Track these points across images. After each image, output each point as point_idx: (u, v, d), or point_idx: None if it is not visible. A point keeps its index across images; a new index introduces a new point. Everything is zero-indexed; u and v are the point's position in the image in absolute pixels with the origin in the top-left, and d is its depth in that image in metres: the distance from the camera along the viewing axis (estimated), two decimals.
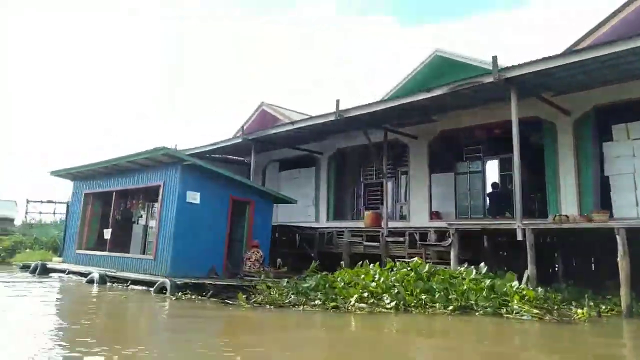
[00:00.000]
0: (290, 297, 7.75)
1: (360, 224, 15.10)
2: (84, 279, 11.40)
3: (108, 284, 10.69)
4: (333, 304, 7.39)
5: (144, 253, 12.41)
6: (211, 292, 8.43)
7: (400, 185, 16.00)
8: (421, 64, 16.07)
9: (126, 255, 12.18)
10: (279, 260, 12.96)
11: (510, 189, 13.59)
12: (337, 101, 12.28)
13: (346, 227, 14.16)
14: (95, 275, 10.76)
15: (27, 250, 17.42)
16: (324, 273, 8.95)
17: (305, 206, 17.26)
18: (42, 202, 63.81)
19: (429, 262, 9.64)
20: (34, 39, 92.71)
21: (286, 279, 8.85)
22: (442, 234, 11.32)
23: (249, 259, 11.75)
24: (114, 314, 7.42)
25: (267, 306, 7.59)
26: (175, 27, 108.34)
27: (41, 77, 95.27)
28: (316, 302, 7.50)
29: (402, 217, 15.34)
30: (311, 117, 12.93)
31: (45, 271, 12.88)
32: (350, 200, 17.41)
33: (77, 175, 14.17)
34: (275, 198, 13.35)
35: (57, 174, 14.49)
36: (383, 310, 7.27)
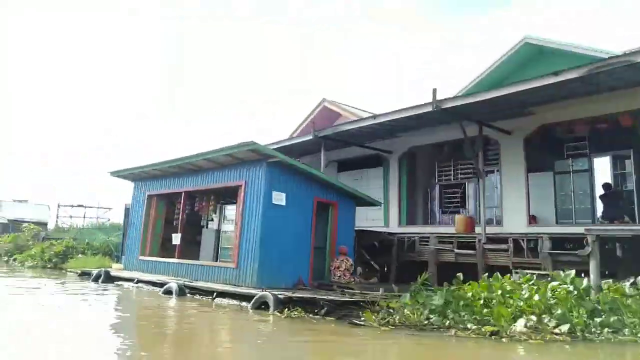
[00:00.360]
0: (432, 318, 6.39)
1: (437, 229, 13.73)
2: (158, 290, 10.30)
3: (188, 295, 9.54)
4: (491, 328, 6.00)
5: (216, 260, 11.27)
6: (326, 309, 7.13)
7: (486, 186, 14.49)
8: (507, 53, 14.62)
9: (201, 262, 11.04)
10: (359, 268, 11.66)
11: (624, 189, 12.01)
12: (434, 90, 10.93)
13: (431, 233, 12.76)
14: (173, 285, 9.62)
15: (80, 255, 16.56)
16: (451, 287, 7.55)
17: (369, 209, 15.92)
18: (72, 206, 64.40)
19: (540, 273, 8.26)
20: (34, 39, 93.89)
21: (408, 294, 7.48)
22: (561, 241, 9.88)
23: (338, 267, 10.47)
24: (227, 341, 6.15)
25: (405, 329, 6.25)
26: (175, 27, 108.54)
27: (41, 77, 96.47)
28: (468, 325, 6.12)
29: (488, 222, 13.86)
30: (403, 109, 11.59)
31: (109, 279, 11.84)
32: (423, 203, 15.99)
33: (140, 175, 13.16)
34: (358, 199, 12.04)
35: (118, 174, 13.52)
36: (554, 337, 5.85)
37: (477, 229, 12.39)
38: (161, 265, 12.07)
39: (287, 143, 14.85)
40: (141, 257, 12.77)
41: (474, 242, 11.56)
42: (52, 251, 16.82)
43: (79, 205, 63.30)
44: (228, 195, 12.12)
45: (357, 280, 10.39)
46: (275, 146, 15.18)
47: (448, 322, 6.31)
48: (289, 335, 6.27)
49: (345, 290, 8.84)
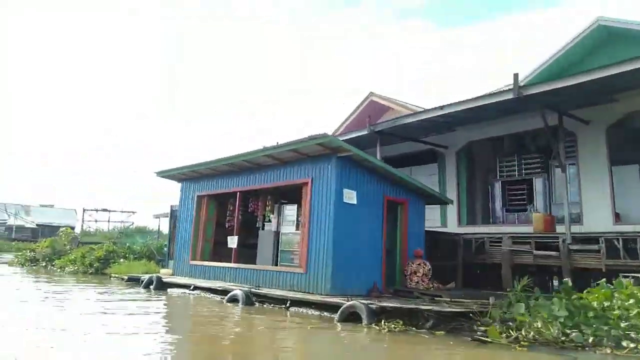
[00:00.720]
0: (570, 333, 5.40)
1: (501, 229, 12.73)
2: (219, 298, 9.51)
3: (256, 304, 8.71)
4: None
5: (275, 264, 10.43)
6: (432, 321, 6.19)
7: (558, 181, 13.37)
8: (577, 36, 13.45)
9: (262, 267, 10.21)
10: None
11: None
12: (516, 75, 9.91)
13: (503, 233, 11.72)
14: (239, 293, 8.80)
15: (122, 260, 15.97)
16: (574, 296, 6.52)
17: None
18: (97, 210, 64.76)
19: None
20: (34, 39, 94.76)
21: (521, 304, 6.48)
22: None
23: (415, 272, 9.52)
24: None
25: (541, 347, 5.28)
26: (175, 27, 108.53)
27: (41, 77, 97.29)
28: (624, 343, 5.11)
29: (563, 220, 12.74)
30: (478, 97, 10.58)
31: (161, 286, 11.11)
32: (482, 201, 14.92)
33: (189, 175, 12.42)
34: (428, 197, 11.08)
35: (164, 174, 12.82)
36: None
37: (558, 228, 11.35)
38: (216, 271, 11.30)
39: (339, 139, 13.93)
40: (192, 262, 12.02)
41: (557, 242, 10.51)
42: (93, 256, 16.26)
43: (104, 210, 63.63)
44: (286, 194, 11.30)
45: (436, 286, 9.42)
46: None
47: (592, 338, 5.31)
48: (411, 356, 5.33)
49: (435, 298, 7.89)
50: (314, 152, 9.21)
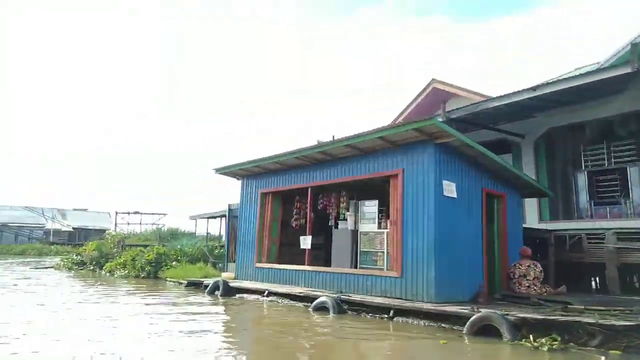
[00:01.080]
0: None
1: (592, 223, 11.40)
2: (301, 305, 8.53)
3: (349, 312, 7.67)
4: None
5: (355, 267, 9.39)
6: (600, 338, 5.02)
7: None
8: None
9: (346, 271, 9.18)
10: None
11: None
12: (635, 46, 8.60)
13: (605, 229, 10.39)
14: (327, 300, 7.78)
15: (174, 263, 15.24)
16: None
17: None
18: (129, 213, 65.26)
19: None
20: (34, 39, 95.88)
21: None
22: None
23: (524, 275, 8.32)
24: None
25: None
26: (175, 27, 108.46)
27: (41, 77, 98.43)
28: None
29: None
30: (587, 74, 9.30)
31: (229, 291, 10.20)
32: (564, 194, 13.53)
33: (252, 171, 11.50)
34: (524, 188, 9.85)
35: (224, 171, 11.94)
36: None
37: None
38: (286, 274, 10.33)
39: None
40: (258, 265, 11.10)
41: None
42: (144, 259, 15.58)
43: (135, 212, 64.22)
44: (361, 189, 10.25)
45: (549, 290, 8.19)
46: None
47: None
48: None
49: (567, 305, 6.68)
50: (406, 139, 8.12)
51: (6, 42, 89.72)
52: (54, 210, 58.72)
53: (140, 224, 62.77)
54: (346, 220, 10.12)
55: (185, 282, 12.20)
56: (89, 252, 19.01)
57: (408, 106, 16.48)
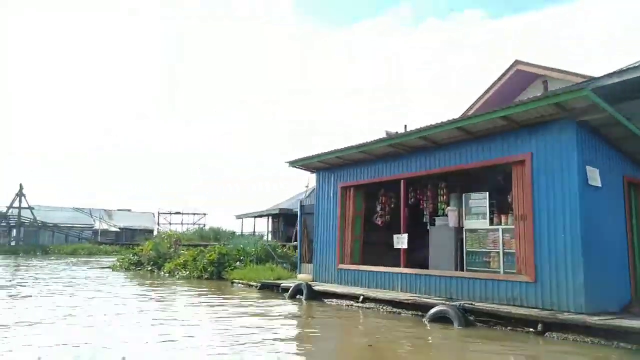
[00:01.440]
0: None
1: None
2: (409, 313, 7.37)
3: (478, 325, 6.45)
4: None
5: (461, 268, 8.15)
6: None
7: None
8: None
9: (453, 274, 7.95)
10: None
11: None
12: None
13: None
14: (447, 310, 6.59)
15: (237, 263, 14.43)
16: None
17: None
18: (170, 213, 65.70)
19: None
20: (34, 39, 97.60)
21: None
22: None
23: None
24: None
25: None
26: (175, 27, 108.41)
27: (41, 77, 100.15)
28: None
29: None
30: None
31: (314, 296, 9.17)
32: None
33: (330, 163, 10.42)
34: None
35: (298, 163, 10.90)
36: None
37: None
38: (377, 277, 9.19)
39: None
40: (341, 266, 10.01)
41: None
42: (205, 259, 14.85)
43: (177, 212, 64.87)
44: (466, 180, 8.99)
45: None
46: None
47: None
48: None
49: None
50: (537, 117, 6.81)
51: (6, 42, 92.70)
52: (101, 211, 59.95)
53: (182, 223, 63.47)
54: (446, 215, 8.89)
55: (258, 284, 11.26)
56: (146, 252, 18.50)
57: (484, 93, 15.00)
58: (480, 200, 8.29)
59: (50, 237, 49.09)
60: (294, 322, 7.35)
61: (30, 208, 47.81)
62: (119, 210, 65.83)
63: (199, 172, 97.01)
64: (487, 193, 8.15)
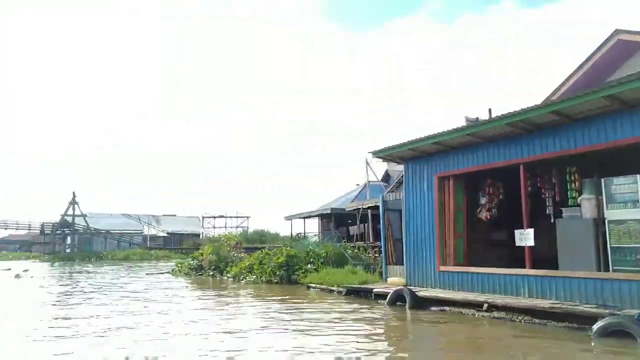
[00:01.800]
0: None
1: None
2: (562, 325, 6.02)
3: None
4: None
5: (606, 269, 6.70)
6: None
7: None
8: None
9: (607, 276, 6.52)
10: None
11: None
12: None
13: None
14: (624, 323, 5.20)
15: (308, 266, 13.42)
16: None
17: None
18: (214, 217, 65.85)
19: None
20: (34, 39, 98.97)
21: None
22: None
23: None
24: None
25: None
26: (175, 27, 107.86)
27: (41, 77, 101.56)
28: None
29: None
30: None
31: (419, 303, 7.94)
32: None
33: (422, 150, 9.16)
34: None
35: (385, 153, 9.70)
36: None
37: None
38: (493, 280, 7.86)
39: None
40: (443, 268, 8.74)
41: None
42: (273, 262, 13.92)
43: (220, 216, 65.04)
44: (600, 162, 7.53)
45: None
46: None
47: None
48: None
49: None
50: None
51: (6, 42, 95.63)
52: (149, 217, 60.83)
53: (225, 227, 63.57)
54: (577, 206, 7.45)
55: (342, 289, 10.13)
56: (206, 256, 17.81)
57: (578, 69, 13.28)
58: (628, 186, 6.80)
59: (102, 243, 50.08)
60: (421, 341, 6.15)
61: (83, 215, 48.89)
62: (164, 215, 66.77)
63: (199, 172, 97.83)
64: (638, 176, 6.68)
